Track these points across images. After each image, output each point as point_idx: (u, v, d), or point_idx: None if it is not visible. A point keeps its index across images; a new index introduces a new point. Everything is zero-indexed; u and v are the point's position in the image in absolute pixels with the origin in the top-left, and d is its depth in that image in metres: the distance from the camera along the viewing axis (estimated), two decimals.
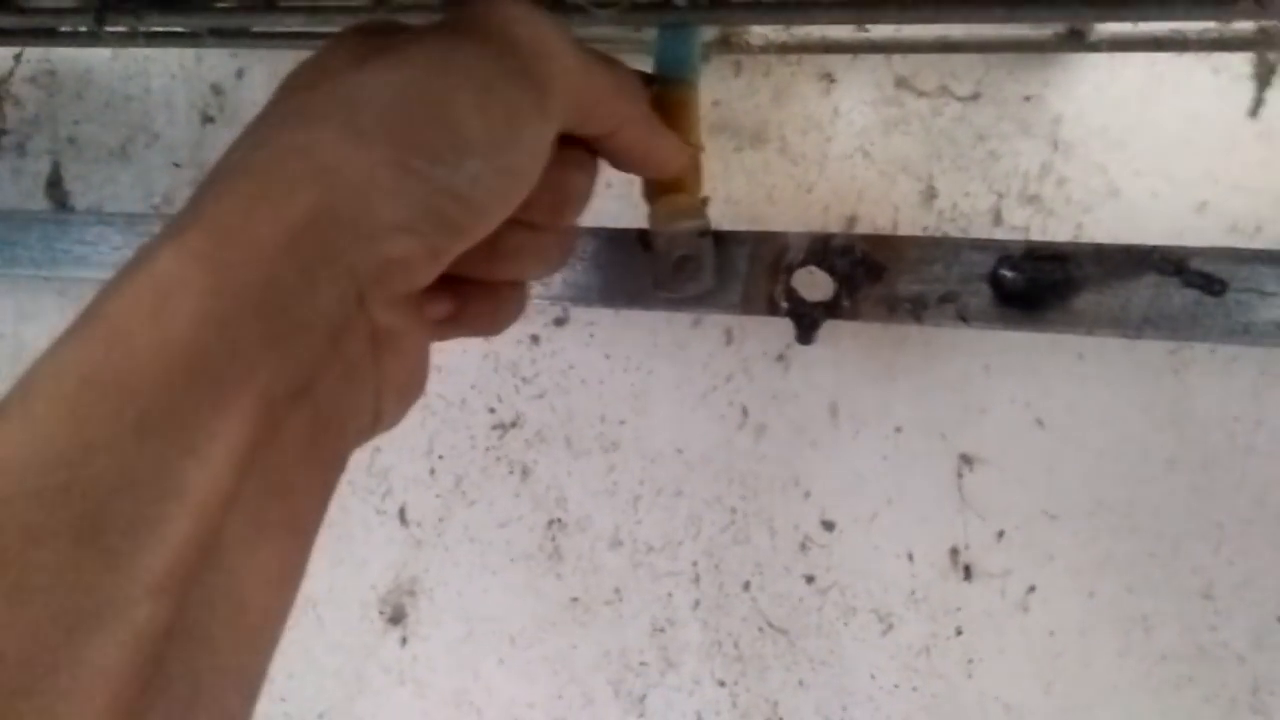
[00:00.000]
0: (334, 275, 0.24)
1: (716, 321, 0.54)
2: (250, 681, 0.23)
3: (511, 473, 0.60)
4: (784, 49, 0.49)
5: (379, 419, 0.28)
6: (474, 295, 0.33)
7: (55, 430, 0.20)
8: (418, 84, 0.26)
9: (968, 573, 0.52)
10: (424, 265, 0.27)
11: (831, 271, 0.43)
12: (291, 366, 0.23)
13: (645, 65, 0.38)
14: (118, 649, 0.19)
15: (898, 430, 0.52)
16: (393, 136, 0.25)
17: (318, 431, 0.24)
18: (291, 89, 0.28)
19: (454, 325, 0.33)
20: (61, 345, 0.21)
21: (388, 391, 0.28)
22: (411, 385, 0.30)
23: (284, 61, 0.61)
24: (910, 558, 0.52)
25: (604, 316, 0.57)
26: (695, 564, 0.56)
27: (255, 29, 0.48)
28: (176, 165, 0.65)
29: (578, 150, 0.33)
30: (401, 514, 0.62)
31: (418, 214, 0.26)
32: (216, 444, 0.21)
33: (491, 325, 0.34)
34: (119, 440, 0.20)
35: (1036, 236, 0.49)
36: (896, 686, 0.53)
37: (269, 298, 0.23)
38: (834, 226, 0.52)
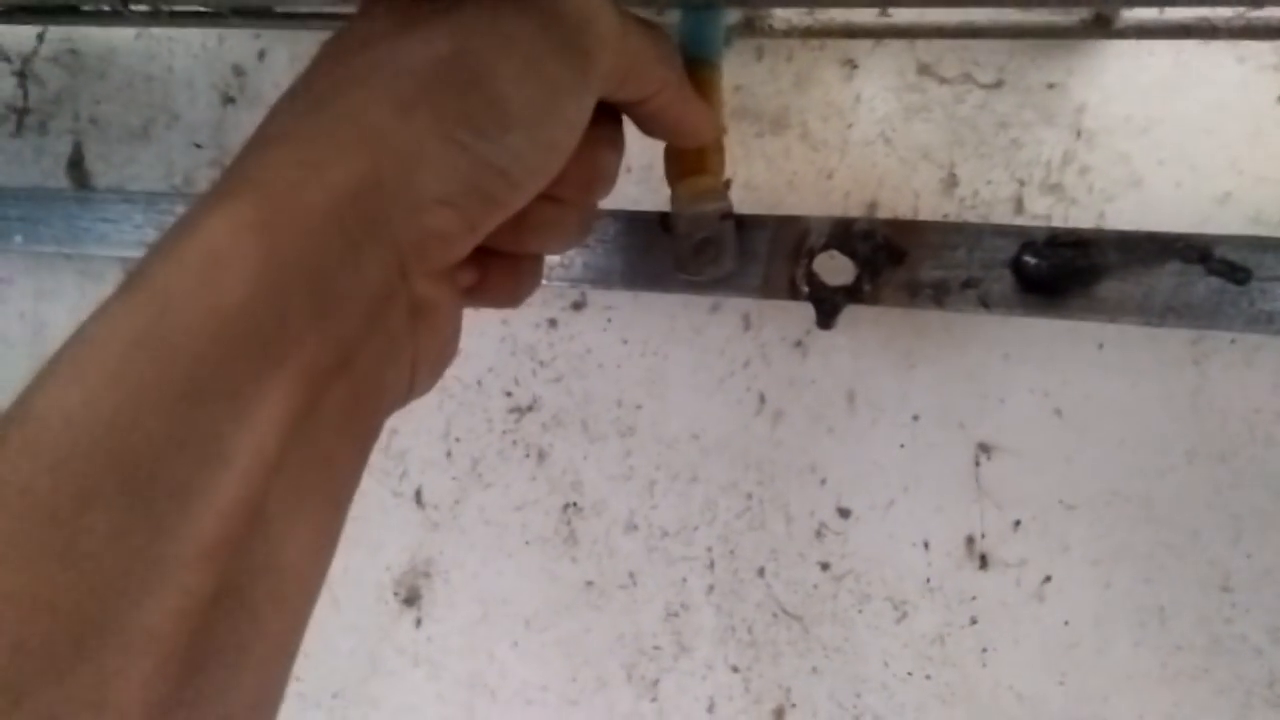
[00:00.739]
0: (378, 246, 0.24)
1: (734, 307, 0.54)
2: (289, 649, 0.24)
3: (528, 456, 0.60)
4: (807, 33, 0.49)
5: (413, 388, 0.29)
6: (495, 266, 0.33)
7: (106, 394, 0.20)
8: (462, 53, 0.26)
9: (983, 562, 0.51)
10: (463, 237, 0.27)
11: (853, 256, 0.43)
12: (336, 337, 0.23)
13: None
14: (167, 613, 0.19)
15: (915, 418, 0.52)
16: (438, 107, 0.25)
17: (357, 401, 0.24)
18: (334, 55, 0.27)
19: (475, 296, 0.33)
20: (111, 308, 0.21)
21: (422, 361, 0.28)
22: (444, 354, 0.30)
23: (306, 42, 0.61)
24: (926, 546, 0.52)
25: (622, 301, 0.57)
26: (710, 549, 0.56)
27: (278, 9, 0.48)
28: (197, 146, 0.65)
29: (608, 127, 0.33)
30: (417, 496, 0.62)
31: (460, 186, 0.26)
32: (263, 412, 0.21)
33: (511, 297, 0.34)
34: (168, 405, 0.20)
35: (1058, 225, 0.49)
36: (910, 675, 0.53)
37: (317, 268, 0.23)
38: (854, 213, 0.52)
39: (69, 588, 0.18)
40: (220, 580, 0.20)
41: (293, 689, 0.69)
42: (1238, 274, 0.38)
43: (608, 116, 0.33)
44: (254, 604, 0.21)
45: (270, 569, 0.22)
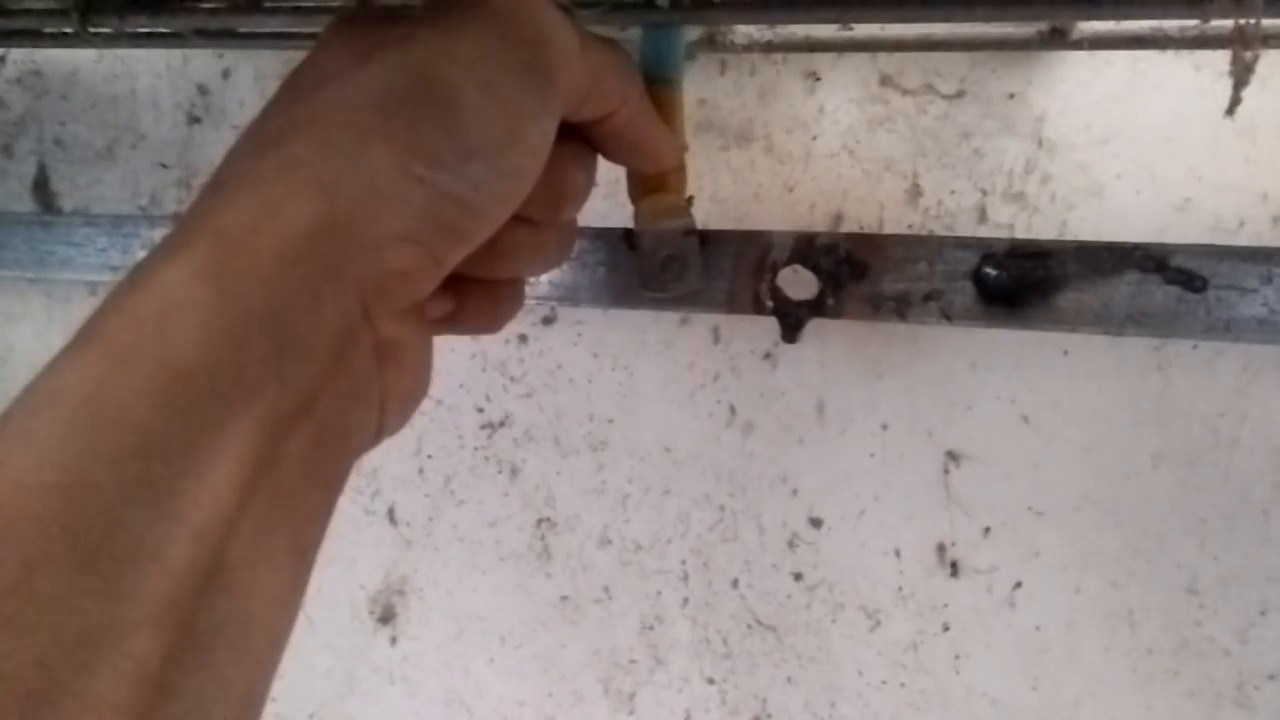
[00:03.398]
0: (338, 289, 0.24)
1: (704, 320, 0.55)
2: (254, 702, 0.23)
3: (500, 472, 0.60)
4: (769, 48, 0.49)
5: (382, 428, 0.28)
6: (472, 293, 0.32)
7: (55, 455, 0.19)
8: (418, 84, 0.26)
9: (954, 569, 0.52)
10: (427, 274, 0.26)
11: (816, 270, 0.43)
12: (295, 384, 0.23)
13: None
14: (120, 677, 0.19)
15: (884, 427, 0.52)
16: (393, 141, 0.25)
17: (321, 447, 0.24)
18: (290, 92, 0.27)
19: (452, 324, 0.32)
20: (62, 363, 0.21)
21: (391, 400, 0.28)
22: (414, 392, 0.29)
23: (270, 62, 0.61)
24: (897, 554, 0.53)
25: (592, 316, 0.57)
26: (684, 562, 0.57)
27: (241, 29, 0.48)
28: (163, 166, 0.65)
29: (575, 144, 0.32)
30: (391, 514, 0.62)
31: (421, 222, 0.25)
32: (219, 466, 0.21)
33: (490, 323, 0.34)
34: (120, 465, 0.20)
35: (1021, 234, 0.49)
36: (884, 683, 0.54)
37: (273, 314, 0.22)
38: (819, 225, 0.52)
39: (16, 657, 0.18)
40: (176, 639, 0.20)
41: (269, 710, 0.69)
42: (1195, 282, 0.39)
43: (574, 132, 0.32)
44: (216, 659, 0.21)
45: (231, 624, 0.21)
